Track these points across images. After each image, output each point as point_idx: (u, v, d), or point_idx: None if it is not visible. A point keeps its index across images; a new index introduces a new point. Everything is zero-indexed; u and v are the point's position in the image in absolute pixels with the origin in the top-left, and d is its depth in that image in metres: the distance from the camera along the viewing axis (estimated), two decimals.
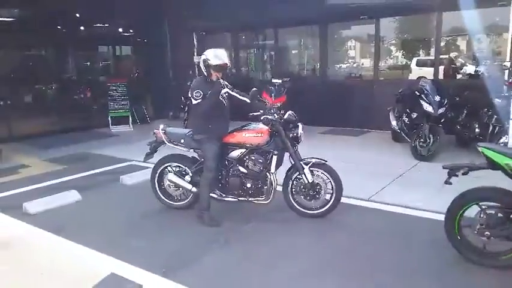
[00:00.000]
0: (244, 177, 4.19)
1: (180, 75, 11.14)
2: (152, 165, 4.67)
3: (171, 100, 11.01)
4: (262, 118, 4.02)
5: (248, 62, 12.76)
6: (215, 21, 10.20)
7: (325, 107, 8.76)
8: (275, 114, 4.13)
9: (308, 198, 4.16)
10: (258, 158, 4.14)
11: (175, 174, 4.48)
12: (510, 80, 5.60)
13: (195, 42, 11.29)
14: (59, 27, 11.04)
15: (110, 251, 3.59)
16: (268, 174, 4.13)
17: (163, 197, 4.63)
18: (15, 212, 4.54)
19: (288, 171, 4.24)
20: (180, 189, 4.52)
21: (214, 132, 4.12)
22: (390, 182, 5.20)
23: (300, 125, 4.18)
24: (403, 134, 6.93)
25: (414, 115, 6.50)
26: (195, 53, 11.21)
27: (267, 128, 4.07)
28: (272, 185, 4.11)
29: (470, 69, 9.39)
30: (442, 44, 14.28)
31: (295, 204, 4.25)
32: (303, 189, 4.15)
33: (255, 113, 4.12)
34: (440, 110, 6.13)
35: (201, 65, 4.08)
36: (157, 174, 4.59)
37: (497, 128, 5.71)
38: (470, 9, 7.02)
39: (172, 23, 11.23)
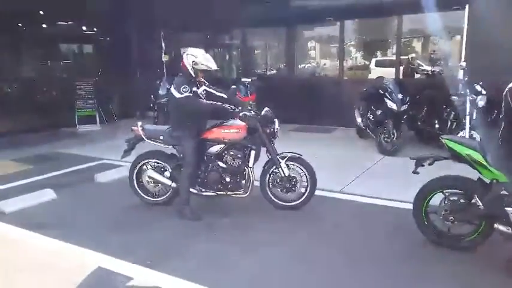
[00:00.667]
0: (223, 172, 4.31)
1: (148, 74, 11.05)
2: (125, 163, 4.67)
3: (138, 99, 10.90)
4: (240, 114, 4.16)
5: (216, 61, 12.80)
6: (183, 20, 10.20)
7: (294, 106, 9.02)
8: (252, 111, 4.30)
9: (284, 191, 4.36)
10: (236, 153, 4.27)
11: (154, 170, 4.54)
12: (466, 79, 6.06)
13: (163, 41, 11.24)
14: (19, 24, 10.65)
15: (93, 246, 3.62)
16: (246, 168, 4.29)
17: (142, 194, 4.66)
18: None
19: (265, 165, 4.42)
20: (159, 185, 4.59)
21: (193, 128, 4.22)
22: (359, 175, 5.52)
23: (276, 120, 4.37)
24: (368, 131, 7.29)
25: (378, 112, 6.87)
26: (163, 52, 11.17)
27: (244, 124, 4.20)
28: (250, 179, 4.28)
29: (427, 69, 9.99)
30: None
31: (272, 197, 4.43)
32: (280, 183, 4.34)
33: (232, 109, 4.25)
34: (403, 107, 6.54)
35: (187, 64, 4.15)
36: (135, 171, 4.63)
37: (455, 124, 6.17)
38: (428, 12, 7.52)
39: (140, 21, 11.10)
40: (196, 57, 4.13)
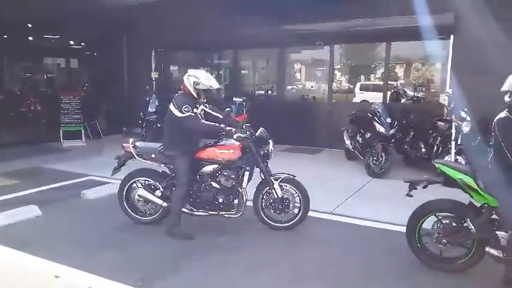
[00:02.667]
0: (216, 192, 4.26)
1: (137, 90, 11.01)
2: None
3: (125, 115, 10.81)
4: (235, 136, 4.09)
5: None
6: (175, 39, 10.27)
7: (282, 126, 9.09)
8: (247, 132, 4.31)
9: (277, 212, 4.33)
10: (230, 173, 4.23)
11: (145, 189, 4.44)
12: (452, 105, 6.26)
13: (153, 59, 11.27)
14: (4, 36, 10.53)
15: (82, 266, 3.50)
16: (239, 189, 4.26)
17: (131, 212, 4.55)
18: None
19: (258, 185, 4.39)
20: (149, 204, 4.49)
21: (186, 147, 4.17)
22: (349, 197, 5.56)
23: (270, 141, 4.37)
24: (356, 153, 7.40)
25: (367, 135, 7.00)
26: (153, 69, 11.19)
27: (238, 144, 4.18)
28: (243, 199, 4.24)
29: (412, 94, 10.28)
30: (383, 71, 15.49)
31: (265, 218, 4.40)
32: (273, 204, 4.31)
33: (227, 129, 4.20)
34: (392, 131, 6.68)
35: (189, 86, 4.13)
36: (125, 189, 4.51)
37: (440, 148, 6.32)
38: (415, 40, 7.80)
39: (131, 37, 11.14)
40: (198, 78, 4.12)
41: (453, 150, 6.02)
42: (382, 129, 6.64)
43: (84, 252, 3.85)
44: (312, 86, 16.23)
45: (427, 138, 6.69)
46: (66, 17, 9.24)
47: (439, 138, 6.42)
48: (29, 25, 10.49)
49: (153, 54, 11.18)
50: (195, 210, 4.33)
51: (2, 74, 12.34)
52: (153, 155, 4.35)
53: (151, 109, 8.99)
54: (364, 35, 8.48)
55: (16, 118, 10.34)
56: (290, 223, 4.36)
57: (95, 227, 4.51)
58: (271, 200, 4.32)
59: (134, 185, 4.52)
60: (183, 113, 4.01)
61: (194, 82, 4.12)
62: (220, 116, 4.47)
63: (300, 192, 4.30)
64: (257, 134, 4.35)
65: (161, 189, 4.37)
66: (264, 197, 4.38)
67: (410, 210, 3.59)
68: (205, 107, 4.41)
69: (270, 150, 4.32)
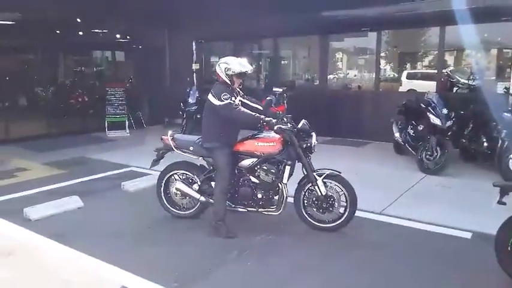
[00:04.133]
0: (255, 188, 4.04)
1: (178, 82, 11.01)
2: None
3: (167, 106, 10.86)
4: (275, 128, 3.84)
5: None
6: (215, 30, 10.11)
7: (324, 117, 8.69)
8: (288, 123, 4.02)
9: (321, 211, 4.02)
10: (270, 168, 3.98)
11: (183, 182, 4.30)
12: None
13: (194, 50, 11.21)
14: (57, 31, 10.86)
15: (117, 262, 3.40)
16: (280, 184, 3.99)
17: (168, 206, 4.44)
18: (15, 218, 4.31)
19: (300, 181, 4.10)
20: (187, 198, 4.35)
21: (225, 140, 3.99)
22: (400, 195, 5.12)
23: (313, 134, 4.04)
24: (407, 146, 6.88)
25: (420, 127, 6.47)
26: (194, 60, 11.13)
27: (279, 136, 3.92)
28: (283, 195, 3.98)
29: (467, 83, 9.46)
30: (430, 58, 14.54)
31: (307, 217, 4.10)
32: (316, 202, 4.01)
33: (267, 119, 3.89)
34: (448, 123, 6.11)
35: (221, 73, 3.97)
36: (163, 182, 4.41)
37: (506, 143, 5.69)
38: (470, 24, 7.09)
39: (172, 30, 11.12)
40: (228, 64, 3.95)
41: None
42: (437, 121, 6.08)
43: (119, 247, 3.77)
44: (355, 75, 15.63)
45: (490, 131, 6.04)
46: (112, 10, 9.33)
47: (505, 131, 5.76)
48: (78, 20, 10.73)
49: (194, 45, 11.11)
50: (233, 205, 4.14)
51: (55, 68, 12.81)
52: (191, 148, 4.20)
53: (191, 100, 8.92)
54: (415, 19, 7.85)
55: (65, 109, 10.68)
56: (335, 223, 4.02)
57: (133, 221, 4.45)
58: (314, 198, 4.01)
59: (172, 178, 4.39)
60: (222, 101, 3.82)
61: (225, 68, 3.95)
62: (260, 108, 4.24)
63: (346, 190, 3.94)
64: (299, 126, 4.03)
65: (199, 183, 4.22)
66: (306, 194, 4.07)
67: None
68: (243, 97, 4.20)
69: (313, 143, 3.98)
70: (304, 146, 3.97)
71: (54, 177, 6.08)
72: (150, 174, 5.99)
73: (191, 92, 9.15)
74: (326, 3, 8.14)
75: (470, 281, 3.18)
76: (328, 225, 4.05)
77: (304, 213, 4.10)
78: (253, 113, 3.95)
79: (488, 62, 11.41)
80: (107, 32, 12.12)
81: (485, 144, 6.05)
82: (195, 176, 4.27)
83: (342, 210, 3.99)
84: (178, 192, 4.33)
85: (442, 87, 9.43)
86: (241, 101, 4.14)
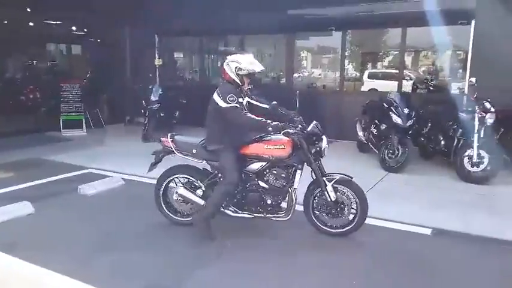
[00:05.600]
0: (263, 193, 3.84)
1: (140, 78, 10.63)
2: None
3: (128, 104, 10.47)
4: (282, 132, 3.65)
5: (209, 66, 12.53)
6: (178, 25, 9.83)
7: None
8: (299, 125, 3.83)
9: (330, 216, 3.90)
10: (280, 172, 3.80)
11: (185, 187, 4.01)
12: (475, 95, 5.82)
13: (156, 45, 10.86)
14: (5, 22, 10.18)
15: (77, 272, 3.16)
16: (289, 189, 3.82)
17: (168, 212, 4.17)
18: None
19: (309, 186, 3.96)
20: (188, 204, 4.06)
21: (231, 142, 3.79)
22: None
23: (324, 138, 3.84)
24: (370, 145, 7.00)
25: (383, 126, 6.59)
26: (157, 56, 10.79)
27: (288, 139, 3.73)
28: (293, 201, 3.81)
29: (429, 83, 9.81)
30: (390, 58, 14.96)
31: (317, 222, 3.97)
32: (326, 207, 3.88)
33: (273, 124, 3.64)
34: (409, 122, 6.26)
35: (231, 73, 3.76)
36: (162, 187, 4.13)
37: (461, 141, 5.89)
38: (433, 26, 7.32)
39: (133, 23, 10.72)
40: (239, 63, 3.73)
41: (476, 144, 5.60)
42: (399, 121, 6.22)
43: (78, 256, 3.53)
44: (319, 74, 15.79)
45: (447, 130, 6.25)
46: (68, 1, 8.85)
47: (460, 130, 5.98)
48: (28, 9, 10.09)
49: (157, 40, 10.76)
50: (239, 211, 3.92)
51: (2, 61, 11.99)
52: (194, 150, 3.94)
53: (154, 98, 8.62)
54: (379, 20, 8.00)
55: (15, 106, 10.01)
56: (344, 229, 3.90)
57: (92, 227, 4.18)
58: (324, 203, 3.88)
59: (171, 183, 4.12)
60: (228, 103, 3.62)
61: (236, 68, 3.73)
62: (267, 107, 4.01)
63: (357, 195, 3.82)
64: (309, 128, 3.83)
65: (203, 188, 3.97)
66: (316, 199, 3.93)
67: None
68: (251, 98, 3.99)
69: (323, 147, 3.81)
70: (314, 150, 3.80)
71: (2, 181, 5.62)
72: (110, 176, 5.73)
73: (154, 89, 8.85)
74: (292, 1, 8.14)
75: (429, 276, 3.22)
76: (337, 230, 3.93)
77: (313, 218, 3.98)
78: (259, 119, 3.71)
79: (446, 64, 11.89)
80: (62, 24, 11.52)
81: (442, 142, 6.25)
82: (198, 181, 4.01)
83: (351, 217, 3.87)
84: (180, 198, 4.04)
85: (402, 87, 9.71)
86: (248, 101, 3.94)
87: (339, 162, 6.77)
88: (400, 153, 6.14)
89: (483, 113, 5.69)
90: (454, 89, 8.47)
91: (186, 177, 4.07)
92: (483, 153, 5.65)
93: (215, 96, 3.74)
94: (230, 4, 8.55)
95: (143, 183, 5.25)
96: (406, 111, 6.28)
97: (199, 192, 3.98)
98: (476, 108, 5.71)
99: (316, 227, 3.99)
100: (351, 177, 3.87)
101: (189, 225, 4.01)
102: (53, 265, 3.21)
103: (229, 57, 3.83)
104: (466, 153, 5.71)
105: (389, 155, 6.24)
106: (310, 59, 18.13)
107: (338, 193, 3.83)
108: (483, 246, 3.81)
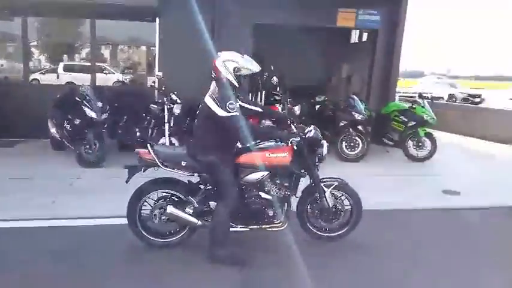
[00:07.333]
0: (265, 205, 3.53)
1: None
2: None
3: None
4: (289, 142, 3.43)
5: None
6: None
7: None
8: (300, 134, 3.55)
9: (326, 221, 3.82)
10: (283, 181, 3.56)
11: (174, 206, 3.49)
12: (163, 88, 6.33)
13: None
14: None
15: None
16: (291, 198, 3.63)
17: (147, 235, 3.57)
18: None
19: (303, 191, 3.78)
20: (173, 223, 3.59)
21: (225, 151, 3.41)
22: (59, 194, 4.74)
23: (324, 143, 3.65)
24: (65, 142, 6.47)
25: (77, 121, 6.20)
26: None
27: (290, 146, 3.48)
28: (289, 208, 3.64)
29: (119, 76, 9.97)
30: (87, 50, 14.55)
31: (312, 228, 3.84)
32: (322, 213, 3.77)
33: (283, 136, 3.52)
34: (104, 116, 6.15)
35: (227, 74, 3.31)
36: (138, 206, 3.52)
37: (155, 131, 6.32)
38: (120, 20, 7.43)
39: None
40: (238, 62, 3.33)
41: (167, 132, 6.14)
42: (93, 114, 6.00)
43: None
44: (1, 65, 13.49)
45: (142, 121, 6.56)
46: None
47: (153, 121, 6.39)
48: None
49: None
50: (234, 226, 3.55)
51: None
52: (183, 163, 3.44)
53: None
54: (64, 8, 7.41)
55: None
56: (337, 233, 3.86)
57: None
58: (320, 209, 3.76)
59: (148, 201, 3.55)
60: (228, 112, 3.20)
61: (235, 68, 3.31)
62: (260, 110, 3.84)
63: (352, 199, 3.80)
64: (310, 135, 3.58)
65: (195, 205, 3.51)
66: (309, 205, 3.80)
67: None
68: (242, 101, 3.61)
69: (323, 154, 3.63)
70: (315, 157, 3.61)
71: None
72: None
73: None
74: None
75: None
76: (330, 234, 3.88)
77: (308, 224, 3.84)
78: (269, 128, 3.41)
79: (142, 58, 12.46)
80: None
81: (138, 133, 6.52)
82: (189, 197, 3.53)
83: (345, 220, 3.87)
84: (165, 218, 3.53)
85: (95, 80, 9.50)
86: (240, 105, 3.44)
87: (30, 163, 5.98)
88: (97, 147, 6.00)
89: (171, 105, 6.29)
90: (149, 82, 9.02)
91: (168, 193, 3.59)
92: (174, 140, 6.27)
93: (209, 103, 3.30)
94: None
95: None
96: (99, 104, 6.13)
97: (189, 209, 3.53)
98: (165, 100, 6.25)
99: (309, 233, 3.87)
100: (346, 182, 3.85)
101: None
102: None
103: (222, 55, 3.38)
104: (160, 141, 6.19)
105: (87, 150, 6.00)
106: None
107: (336, 199, 3.81)
108: None
